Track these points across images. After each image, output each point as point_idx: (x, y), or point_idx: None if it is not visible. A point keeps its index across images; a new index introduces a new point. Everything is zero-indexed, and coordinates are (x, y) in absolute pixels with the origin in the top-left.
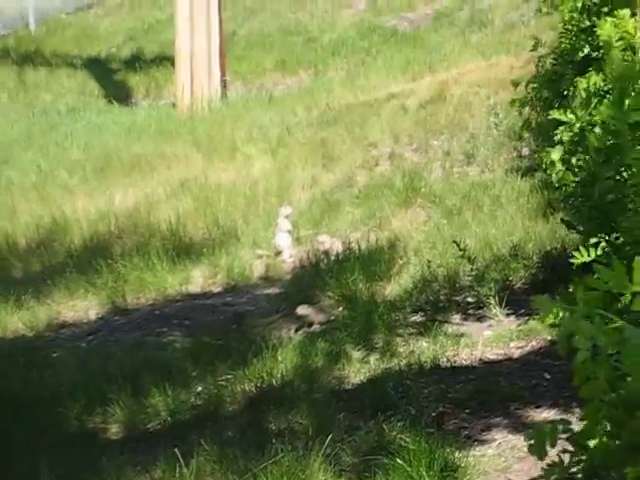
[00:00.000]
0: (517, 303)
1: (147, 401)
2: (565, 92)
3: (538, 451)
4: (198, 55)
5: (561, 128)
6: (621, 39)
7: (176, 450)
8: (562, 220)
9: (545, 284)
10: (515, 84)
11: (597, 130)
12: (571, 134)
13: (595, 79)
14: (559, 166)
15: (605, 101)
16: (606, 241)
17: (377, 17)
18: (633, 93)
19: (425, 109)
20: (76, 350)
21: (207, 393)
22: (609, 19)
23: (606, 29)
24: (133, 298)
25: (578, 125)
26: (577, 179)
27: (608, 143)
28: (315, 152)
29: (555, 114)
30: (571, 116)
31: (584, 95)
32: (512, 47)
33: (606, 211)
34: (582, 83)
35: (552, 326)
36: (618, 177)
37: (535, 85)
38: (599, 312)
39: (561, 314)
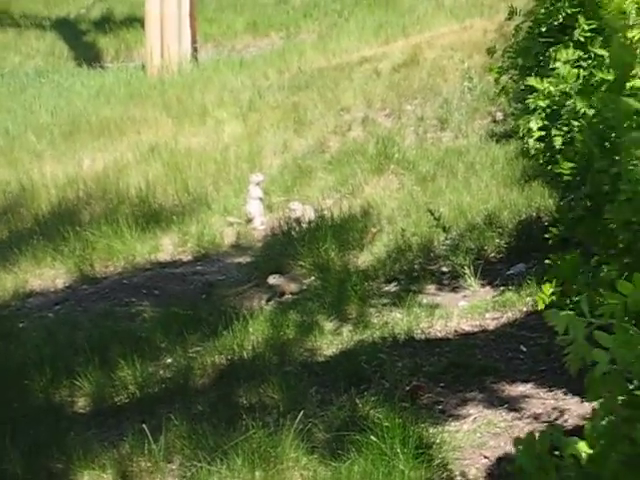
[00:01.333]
0: (492, 273)
1: (115, 374)
2: (541, 60)
3: (527, 462)
4: (168, 17)
5: (535, 94)
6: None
7: (144, 426)
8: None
9: (520, 253)
10: (491, 52)
11: (586, 113)
12: (548, 101)
13: (572, 52)
14: (537, 135)
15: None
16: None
17: None
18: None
19: (398, 73)
20: (43, 320)
21: (176, 366)
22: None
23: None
24: (101, 267)
25: (557, 94)
26: (572, 166)
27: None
28: (287, 117)
29: (532, 81)
30: (547, 85)
31: (562, 67)
32: (486, 10)
33: (599, 203)
34: (561, 54)
35: (564, 336)
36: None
37: (511, 53)
38: (620, 324)
39: (573, 325)
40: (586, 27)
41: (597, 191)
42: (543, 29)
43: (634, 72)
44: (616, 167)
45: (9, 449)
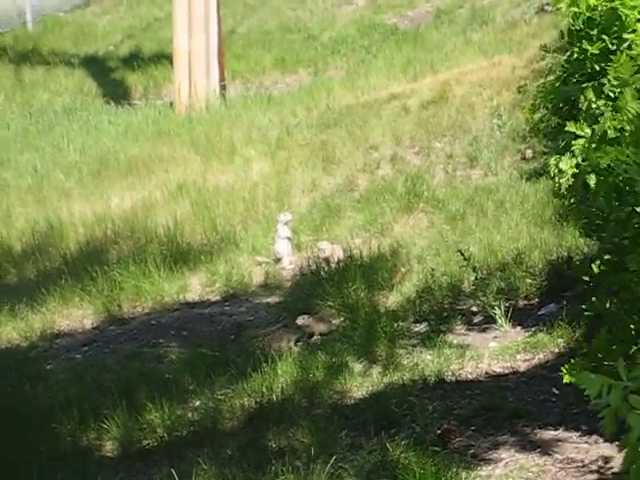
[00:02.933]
0: (523, 313)
1: (143, 417)
2: (574, 99)
3: None
4: (196, 54)
5: (579, 141)
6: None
7: (173, 470)
8: (575, 226)
9: (551, 293)
10: (522, 91)
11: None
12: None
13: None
14: (570, 173)
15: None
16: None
17: (377, 14)
18: None
19: (427, 110)
20: (70, 362)
21: (205, 408)
22: (625, 52)
23: (621, 63)
24: (129, 307)
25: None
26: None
27: (619, 184)
28: (315, 155)
29: (571, 127)
30: (587, 130)
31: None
32: (514, 46)
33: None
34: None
35: (597, 400)
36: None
37: (543, 93)
38: None
39: (606, 388)
40: (614, 82)
41: (616, 244)
42: (575, 73)
43: None
44: (637, 219)
45: None
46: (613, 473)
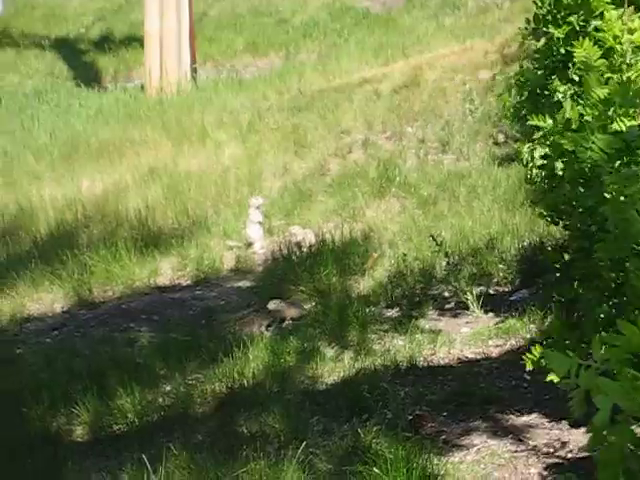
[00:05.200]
0: (495, 298)
1: (113, 402)
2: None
3: None
4: (167, 37)
5: (539, 133)
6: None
7: (143, 456)
8: (542, 215)
9: (523, 279)
10: (501, 98)
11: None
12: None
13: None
14: (539, 162)
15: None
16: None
17: None
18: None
19: (399, 94)
20: (40, 346)
21: (176, 393)
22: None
23: (585, 48)
24: (100, 291)
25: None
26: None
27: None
28: (287, 139)
29: (533, 120)
30: (549, 121)
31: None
32: (486, 30)
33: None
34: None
35: (563, 381)
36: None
37: (517, 79)
38: (627, 371)
39: (575, 369)
40: (580, 66)
41: (584, 232)
42: (545, 61)
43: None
44: (602, 206)
45: (5, 479)
46: (582, 458)
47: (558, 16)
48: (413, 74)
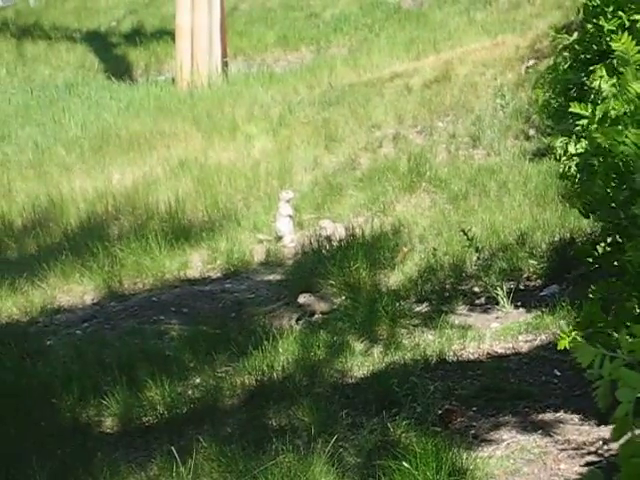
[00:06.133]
0: (525, 294)
1: (143, 394)
2: (582, 81)
3: None
4: (199, 30)
5: (581, 122)
6: None
7: (172, 448)
8: (574, 206)
9: (554, 274)
10: (534, 92)
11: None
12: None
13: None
14: (573, 156)
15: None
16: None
17: None
18: None
19: (430, 89)
20: (71, 337)
21: (205, 386)
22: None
23: (623, 42)
24: (130, 283)
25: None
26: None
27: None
28: (317, 133)
29: (575, 107)
30: (591, 111)
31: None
32: (518, 25)
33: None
34: (601, 72)
35: (589, 370)
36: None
37: (551, 74)
38: None
39: (601, 361)
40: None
41: (616, 226)
42: (585, 53)
43: None
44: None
45: (36, 469)
46: (612, 455)
47: (607, 10)
48: (444, 69)
